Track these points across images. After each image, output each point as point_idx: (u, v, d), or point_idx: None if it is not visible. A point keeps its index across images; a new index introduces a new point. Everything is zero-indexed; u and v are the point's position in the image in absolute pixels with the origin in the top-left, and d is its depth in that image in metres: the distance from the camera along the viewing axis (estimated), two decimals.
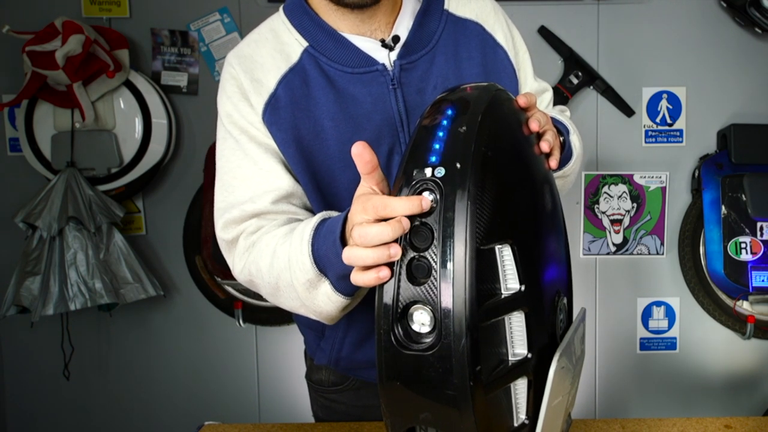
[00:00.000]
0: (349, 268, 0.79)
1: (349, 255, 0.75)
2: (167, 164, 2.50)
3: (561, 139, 1.03)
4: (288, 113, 1.03)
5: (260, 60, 1.05)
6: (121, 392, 2.64)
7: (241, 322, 2.46)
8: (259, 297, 2.47)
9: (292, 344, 2.57)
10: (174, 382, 2.63)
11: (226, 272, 2.35)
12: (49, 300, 2.24)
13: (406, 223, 0.71)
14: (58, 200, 2.25)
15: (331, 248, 0.84)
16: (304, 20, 1.06)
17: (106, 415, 2.65)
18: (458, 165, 0.72)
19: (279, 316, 2.50)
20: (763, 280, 2.34)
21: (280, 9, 1.10)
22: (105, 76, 2.25)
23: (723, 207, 2.36)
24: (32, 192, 2.33)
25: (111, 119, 2.35)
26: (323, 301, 0.91)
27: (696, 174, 2.46)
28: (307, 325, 1.22)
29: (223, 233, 1.04)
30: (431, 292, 0.71)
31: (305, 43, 1.05)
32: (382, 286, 0.74)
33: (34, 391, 2.63)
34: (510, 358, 0.77)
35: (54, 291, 2.25)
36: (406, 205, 0.70)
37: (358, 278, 0.75)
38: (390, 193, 0.77)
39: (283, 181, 1.02)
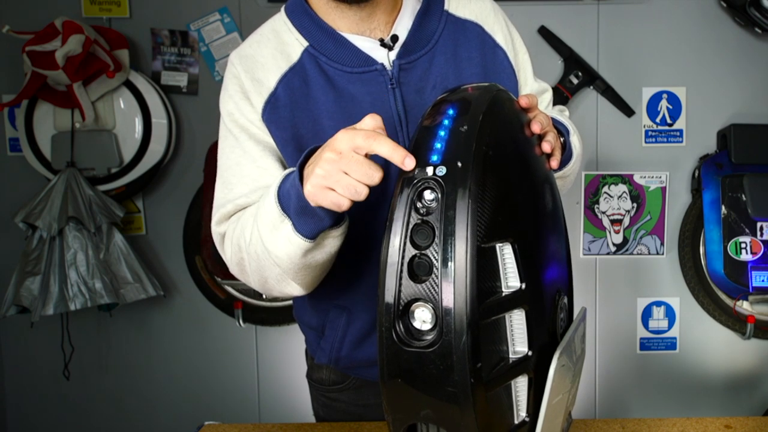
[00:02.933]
0: (307, 205, 0.83)
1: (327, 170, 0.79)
2: (167, 164, 2.50)
3: (562, 139, 1.03)
4: (287, 112, 1.04)
5: (261, 60, 1.06)
6: (121, 392, 2.64)
7: (241, 322, 2.46)
8: (259, 297, 2.47)
9: (292, 344, 2.57)
10: (174, 382, 2.63)
11: (226, 272, 2.32)
12: (49, 300, 2.24)
13: (378, 177, 0.78)
14: (58, 200, 2.25)
15: (292, 185, 0.86)
16: (305, 20, 1.07)
17: (106, 415, 2.64)
18: (459, 164, 0.73)
19: (279, 316, 2.50)
20: (763, 280, 2.34)
21: (282, 9, 1.11)
22: (105, 76, 2.25)
23: (723, 207, 2.36)
24: (32, 192, 2.33)
25: (111, 119, 2.35)
26: (284, 245, 0.90)
27: (696, 174, 2.47)
28: (307, 325, 1.22)
29: (217, 227, 1.06)
30: (432, 290, 0.72)
31: (305, 43, 1.06)
32: (383, 284, 0.74)
33: (34, 391, 2.63)
34: (510, 356, 0.78)
35: (54, 291, 2.25)
36: (391, 147, 0.75)
37: (319, 195, 0.80)
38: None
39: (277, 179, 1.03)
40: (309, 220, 0.86)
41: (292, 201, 0.87)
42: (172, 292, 2.60)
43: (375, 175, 0.78)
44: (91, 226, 2.26)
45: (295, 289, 1.00)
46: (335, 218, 0.88)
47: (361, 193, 0.79)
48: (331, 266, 1.01)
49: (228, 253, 1.04)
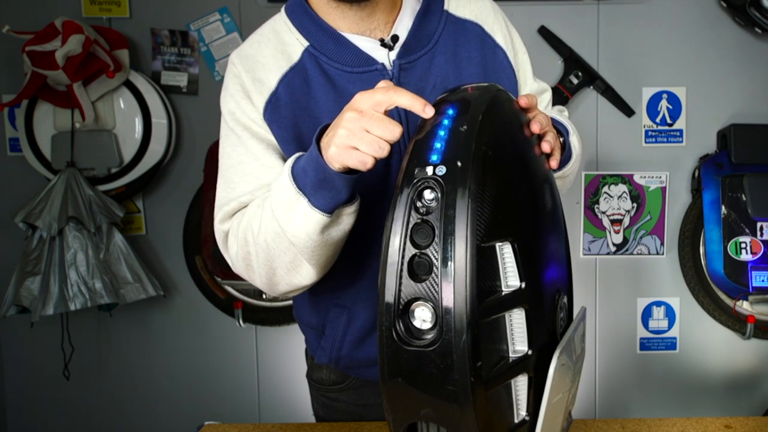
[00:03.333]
0: (326, 176, 0.84)
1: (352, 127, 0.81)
2: (167, 164, 2.50)
3: (561, 140, 1.03)
4: (288, 111, 1.04)
5: (262, 60, 1.06)
6: (121, 392, 2.64)
7: (241, 322, 2.46)
8: (259, 297, 2.47)
9: (292, 344, 2.57)
10: (174, 382, 2.63)
11: (226, 272, 2.35)
12: (49, 300, 2.24)
13: (399, 132, 0.81)
14: (58, 200, 2.25)
15: (309, 159, 0.87)
16: (305, 20, 1.07)
17: (106, 415, 2.65)
18: (459, 164, 0.73)
19: (279, 316, 2.50)
20: (763, 280, 2.34)
21: (282, 9, 1.11)
22: (105, 76, 2.25)
23: (723, 207, 2.36)
24: (32, 192, 2.33)
25: (111, 119, 2.35)
26: (302, 222, 0.90)
27: (696, 174, 2.47)
28: (307, 324, 1.22)
29: (220, 225, 1.06)
30: (432, 289, 0.72)
31: (306, 43, 1.06)
32: (383, 284, 0.74)
33: (34, 391, 2.63)
34: (510, 355, 0.78)
35: (54, 291, 2.25)
36: (411, 97, 0.80)
37: (344, 155, 0.82)
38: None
39: None
40: (326, 194, 0.87)
41: (309, 176, 0.87)
42: (172, 292, 2.60)
43: (396, 130, 0.81)
44: (91, 226, 2.26)
45: (306, 275, 0.99)
46: (350, 193, 0.89)
47: (384, 149, 0.81)
48: (340, 251, 1.01)
49: (233, 250, 1.03)
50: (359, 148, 0.82)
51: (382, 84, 0.85)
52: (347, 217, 0.93)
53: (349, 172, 0.87)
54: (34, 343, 2.59)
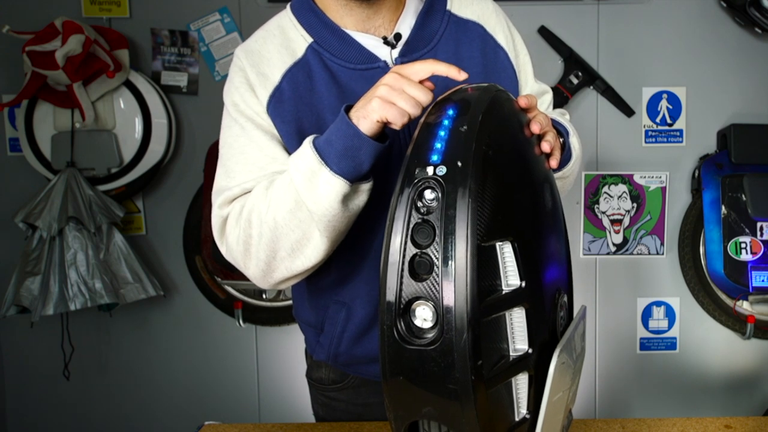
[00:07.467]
0: (354, 143, 0.90)
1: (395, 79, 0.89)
2: (167, 164, 2.50)
3: (561, 140, 1.04)
4: (291, 106, 1.05)
5: (267, 55, 1.08)
6: (121, 392, 2.64)
7: (241, 322, 2.46)
8: (259, 297, 2.47)
9: (292, 344, 2.57)
10: (174, 382, 2.63)
11: (226, 272, 2.36)
12: (49, 300, 2.24)
13: (429, 98, 0.89)
14: (58, 200, 2.25)
15: (337, 128, 0.92)
16: (310, 17, 1.09)
17: (106, 415, 2.65)
18: (459, 164, 0.74)
19: (279, 316, 2.50)
20: (763, 280, 2.34)
21: (288, 6, 1.13)
22: (105, 76, 2.25)
23: (723, 207, 2.37)
24: (32, 192, 2.33)
25: (111, 119, 2.35)
26: (324, 190, 0.92)
27: (696, 174, 2.47)
28: (306, 322, 1.22)
29: (220, 210, 1.05)
30: (433, 288, 0.72)
31: (310, 39, 1.08)
32: (384, 283, 0.74)
33: (34, 391, 2.63)
34: (511, 354, 0.78)
35: (54, 291, 2.25)
36: (446, 65, 0.89)
37: (384, 108, 0.88)
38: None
39: (286, 166, 1.03)
40: (350, 162, 0.91)
41: (333, 146, 0.91)
42: (172, 292, 2.60)
43: (428, 95, 0.89)
44: (91, 226, 2.27)
45: (310, 256, 0.99)
46: (371, 166, 0.93)
47: (417, 109, 0.89)
48: (349, 229, 1.02)
49: (232, 236, 1.03)
50: (397, 103, 0.88)
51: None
52: (363, 194, 0.96)
53: (377, 139, 0.91)
54: (34, 343, 2.59)
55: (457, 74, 0.89)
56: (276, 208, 0.96)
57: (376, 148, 0.91)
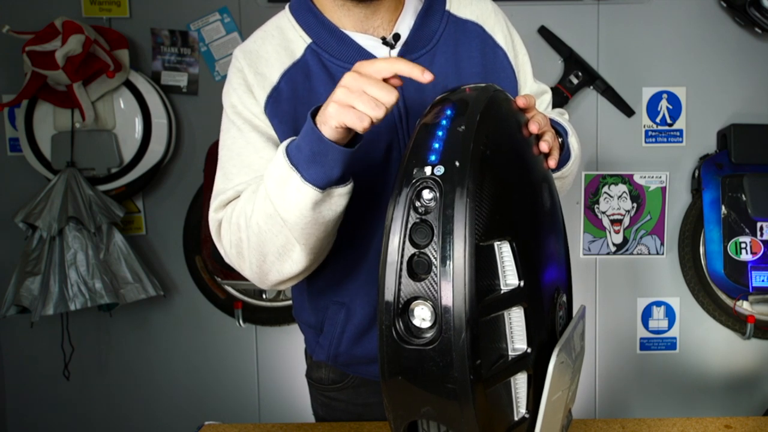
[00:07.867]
0: (320, 148, 0.86)
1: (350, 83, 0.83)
2: (167, 164, 2.50)
3: (560, 140, 1.04)
4: (289, 106, 1.05)
5: (265, 55, 1.08)
6: (121, 392, 2.64)
7: (241, 322, 2.46)
8: (259, 297, 2.47)
9: (292, 344, 2.57)
10: (174, 382, 2.64)
11: (226, 272, 2.36)
12: (49, 300, 2.24)
13: (395, 98, 0.82)
14: (58, 200, 2.25)
15: (304, 134, 0.88)
16: (308, 18, 1.09)
17: (106, 415, 2.65)
18: (457, 163, 0.74)
19: (279, 316, 2.50)
20: (763, 280, 2.34)
21: (286, 7, 1.13)
22: (105, 76, 2.25)
23: (723, 207, 2.36)
24: (32, 192, 2.33)
25: (111, 119, 2.35)
26: (294, 197, 0.90)
27: (696, 174, 2.47)
28: (306, 323, 1.22)
29: (215, 214, 1.06)
30: (431, 288, 0.72)
31: (309, 40, 1.08)
32: (383, 283, 0.74)
33: (34, 391, 2.63)
34: (510, 353, 0.78)
35: (54, 291, 2.25)
36: (409, 65, 0.83)
37: (341, 113, 0.83)
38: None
39: None
40: (319, 169, 0.88)
41: (303, 152, 0.88)
42: (172, 292, 2.60)
43: (392, 94, 0.83)
44: (91, 226, 2.27)
45: (297, 260, 0.98)
46: (343, 171, 0.89)
47: (380, 110, 0.83)
48: (334, 237, 1.01)
49: (225, 239, 1.03)
50: (356, 106, 0.83)
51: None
52: (339, 198, 0.92)
53: (345, 145, 0.87)
54: (34, 343, 2.59)
55: (421, 75, 0.82)
56: (258, 213, 0.95)
57: (343, 154, 0.87)
